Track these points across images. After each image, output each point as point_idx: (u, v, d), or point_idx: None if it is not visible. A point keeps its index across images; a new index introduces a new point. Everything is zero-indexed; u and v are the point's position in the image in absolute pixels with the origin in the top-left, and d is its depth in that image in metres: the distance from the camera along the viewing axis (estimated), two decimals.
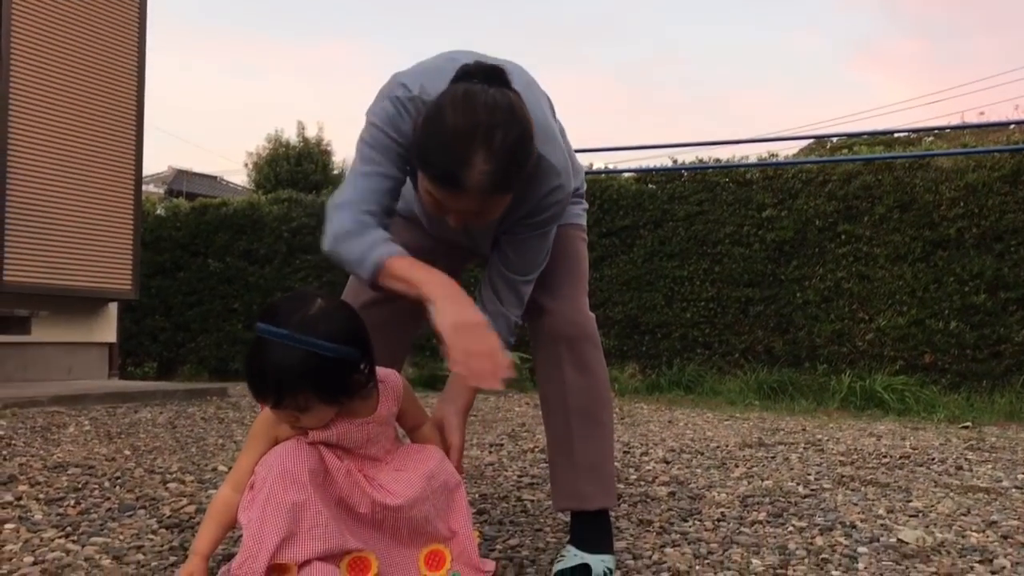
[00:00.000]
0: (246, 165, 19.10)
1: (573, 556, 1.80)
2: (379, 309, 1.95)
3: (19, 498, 2.37)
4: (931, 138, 12.71)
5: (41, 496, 2.41)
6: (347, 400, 1.58)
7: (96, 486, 2.59)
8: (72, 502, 2.36)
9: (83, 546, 1.92)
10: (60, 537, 1.99)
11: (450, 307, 1.57)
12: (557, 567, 1.78)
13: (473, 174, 1.50)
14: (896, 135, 10.38)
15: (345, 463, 1.62)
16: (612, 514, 2.33)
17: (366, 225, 1.70)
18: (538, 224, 1.79)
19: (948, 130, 13.23)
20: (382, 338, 1.75)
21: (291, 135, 18.62)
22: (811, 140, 15.37)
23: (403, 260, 1.66)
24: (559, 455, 1.95)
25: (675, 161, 8.30)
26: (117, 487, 2.59)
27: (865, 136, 9.46)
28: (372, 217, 1.71)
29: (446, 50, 1.80)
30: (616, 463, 3.35)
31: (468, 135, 1.50)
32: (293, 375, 1.50)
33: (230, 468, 2.92)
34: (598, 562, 1.79)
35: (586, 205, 2.11)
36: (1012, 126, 8.33)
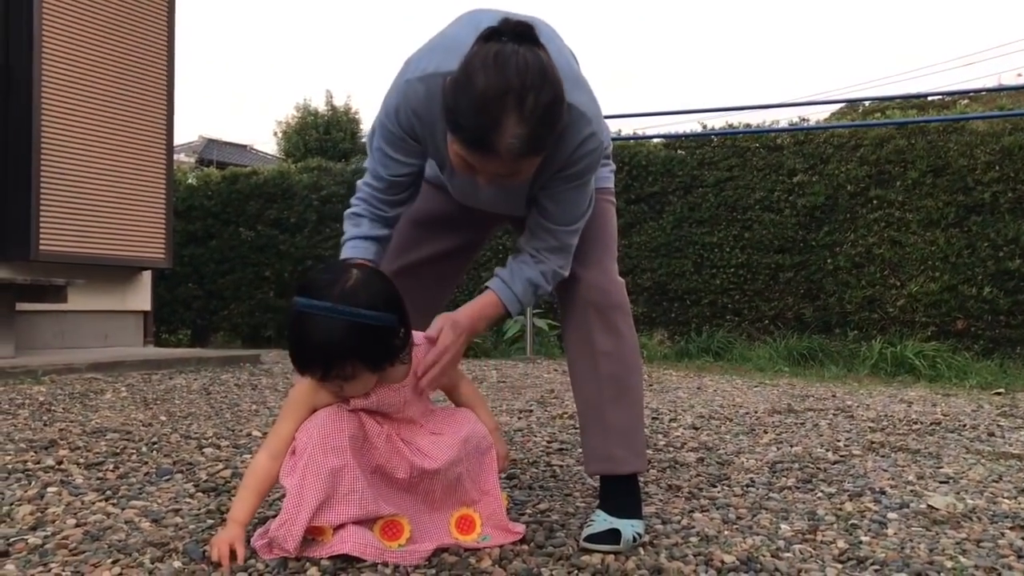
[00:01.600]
0: (275, 134, 19.20)
1: (603, 521, 1.81)
2: (410, 275, 1.98)
3: (60, 462, 2.43)
4: (966, 101, 12.49)
5: (81, 460, 2.47)
6: (390, 366, 1.61)
7: (134, 451, 2.64)
8: (111, 466, 2.41)
9: (123, 509, 1.97)
10: (100, 500, 2.04)
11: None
12: (587, 531, 1.80)
13: (505, 138, 1.50)
14: (930, 98, 10.21)
15: (384, 428, 1.65)
16: (641, 479, 2.34)
17: (354, 215, 1.85)
18: (574, 176, 1.77)
19: (984, 92, 13.00)
20: (414, 303, 1.77)
21: (320, 104, 18.65)
22: (843, 104, 15.19)
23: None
24: (590, 420, 1.96)
25: (704, 126, 8.23)
26: (154, 452, 2.64)
27: (898, 99, 9.32)
28: (369, 206, 1.84)
29: (463, 12, 1.79)
30: (645, 429, 3.36)
31: (500, 98, 1.49)
32: (341, 347, 1.53)
33: (264, 434, 2.98)
34: (627, 527, 1.80)
35: (613, 167, 2.07)
36: None
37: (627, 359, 1.96)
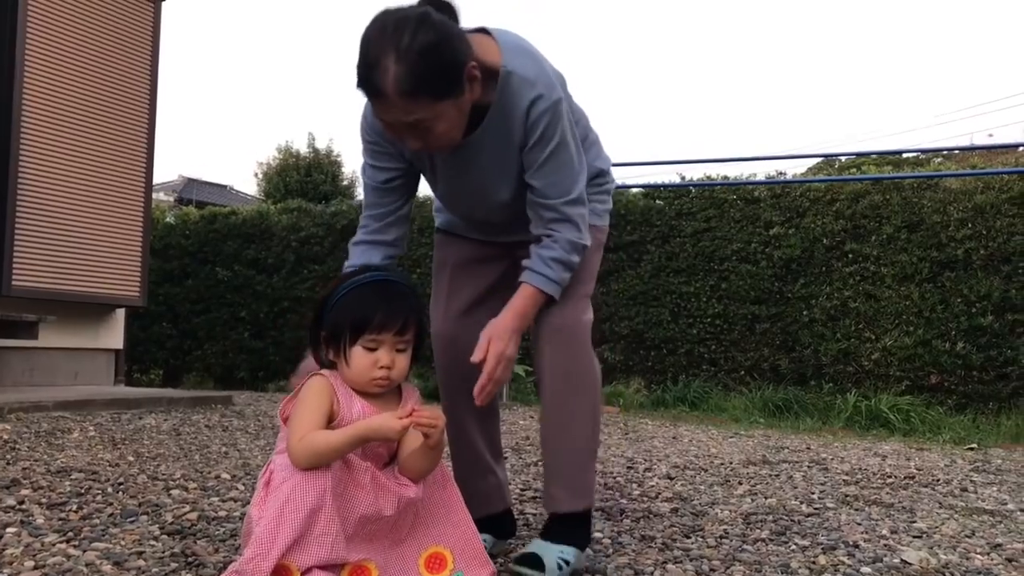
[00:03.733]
0: (256, 175, 19.19)
1: (531, 545, 1.89)
2: (470, 317, 2.08)
3: (21, 502, 2.37)
4: (940, 159, 12.69)
5: (43, 500, 2.42)
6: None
7: (99, 491, 2.59)
8: (74, 507, 2.36)
9: (84, 551, 1.92)
10: (61, 542, 1.99)
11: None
12: (515, 554, 1.88)
13: (386, 77, 1.61)
14: (904, 155, 10.38)
15: (367, 463, 1.63)
16: (613, 528, 2.33)
17: (354, 244, 1.98)
18: (541, 142, 1.81)
19: (957, 151, 13.23)
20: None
21: (301, 146, 18.70)
22: (819, 158, 15.39)
23: None
24: (544, 457, 2.05)
25: (683, 177, 8.31)
26: (120, 493, 2.59)
27: (873, 155, 9.47)
28: (368, 232, 1.96)
29: None
30: (619, 478, 3.34)
31: (377, 42, 1.62)
32: (418, 308, 1.70)
33: (233, 476, 2.93)
34: (553, 551, 1.84)
35: (609, 204, 2.12)
36: (1021, 148, 8.33)
37: (578, 399, 1.96)
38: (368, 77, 1.63)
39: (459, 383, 2.02)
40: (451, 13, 1.69)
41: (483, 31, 1.80)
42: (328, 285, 1.73)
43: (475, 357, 1.79)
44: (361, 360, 1.64)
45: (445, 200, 2.08)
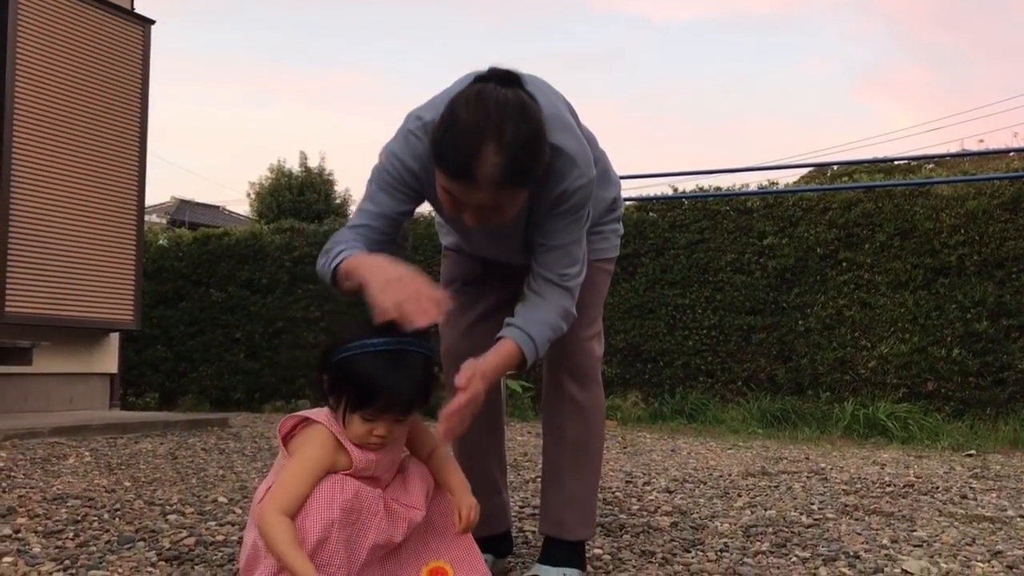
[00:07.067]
0: (248, 195, 19.17)
1: (536, 568, 1.92)
2: (478, 331, 2.05)
3: (17, 531, 2.36)
4: (931, 166, 12.73)
5: (40, 528, 2.40)
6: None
7: (95, 518, 2.57)
8: (71, 534, 2.34)
9: None
10: (58, 570, 1.98)
11: (376, 276, 1.63)
12: None
13: (485, 165, 1.57)
14: (896, 163, 10.40)
15: (377, 491, 1.62)
16: (613, 543, 2.32)
17: (336, 243, 1.81)
18: (565, 212, 1.80)
19: (948, 158, 13.28)
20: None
21: (293, 165, 18.70)
22: (811, 168, 15.43)
23: (352, 259, 1.72)
24: (550, 482, 2.04)
25: (675, 190, 8.33)
26: (116, 519, 2.58)
27: (865, 164, 9.49)
28: (353, 242, 1.80)
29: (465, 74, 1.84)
30: (618, 493, 3.33)
31: (479, 128, 1.57)
32: (428, 381, 1.62)
33: (230, 499, 2.91)
34: (555, 573, 1.88)
35: (621, 231, 2.14)
36: (1012, 154, 8.36)
37: (591, 426, 2.02)
38: (465, 164, 1.58)
39: None
40: (518, 81, 1.66)
41: (519, 83, 1.69)
42: (336, 331, 1.63)
43: (459, 381, 1.73)
44: (357, 428, 1.59)
45: (467, 244, 2.06)
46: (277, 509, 1.53)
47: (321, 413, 1.63)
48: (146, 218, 7.21)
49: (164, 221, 20.59)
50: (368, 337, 1.58)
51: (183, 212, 22.53)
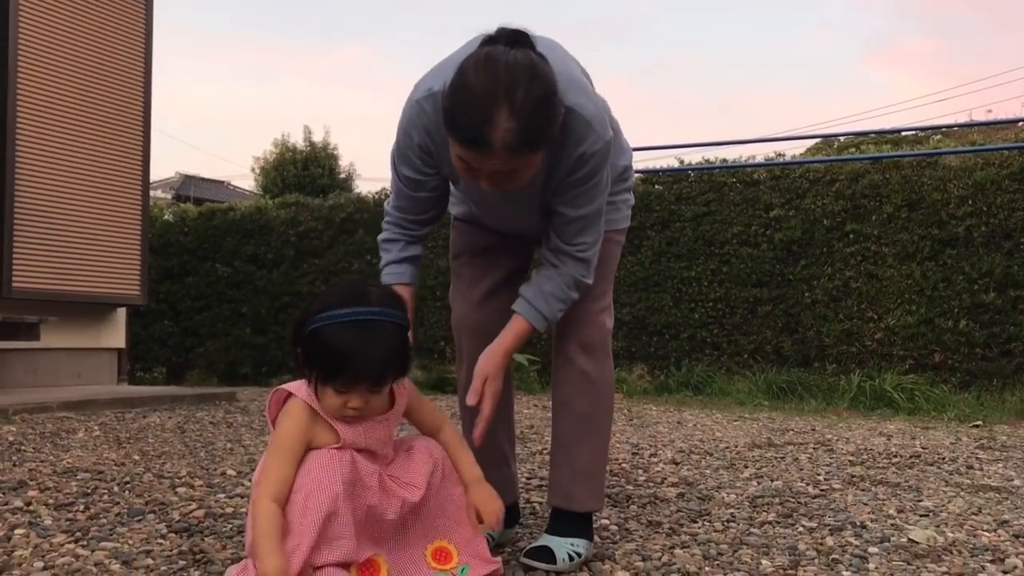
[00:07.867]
0: (253, 170, 19.16)
1: (542, 538, 1.92)
2: (491, 302, 2.06)
3: (29, 504, 2.38)
4: (939, 136, 12.66)
5: (51, 501, 2.42)
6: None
7: (105, 491, 2.59)
8: (81, 507, 2.36)
9: (92, 551, 1.92)
10: (70, 542, 1.99)
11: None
12: (527, 548, 1.90)
13: (497, 132, 1.55)
14: (903, 133, 10.35)
15: (375, 467, 1.62)
16: (620, 514, 2.34)
17: (385, 245, 1.94)
18: (583, 179, 1.78)
19: (956, 128, 13.19)
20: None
21: (298, 140, 18.66)
22: (818, 139, 15.34)
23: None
24: (559, 455, 2.03)
25: (681, 162, 8.29)
26: (126, 492, 2.60)
27: (872, 135, 9.44)
28: (400, 228, 1.93)
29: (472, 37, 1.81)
30: (624, 464, 3.34)
31: (490, 94, 1.55)
32: (401, 350, 1.58)
33: (239, 472, 2.93)
34: (564, 544, 1.88)
35: (632, 201, 2.10)
36: (1020, 123, 8.31)
37: (602, 400, 2.01)
38: (478, 131, 1.56)
39: None
40: (527, 42, 1.63)
41: (528, 44, 1.65)
42: (309, 304, 1.60)
43: (470, 400, 1.81)
44: (331, 400, 1.58)
45: (481, 214, 2.04)
46: (267, 496, 1.53)
47: (302, 387, 1.63)
48: (151, 193, 7.20)
49: (169, 196, 20.57)
50: (337, 307, 1.55)
51: (188, 187, 22.49)
